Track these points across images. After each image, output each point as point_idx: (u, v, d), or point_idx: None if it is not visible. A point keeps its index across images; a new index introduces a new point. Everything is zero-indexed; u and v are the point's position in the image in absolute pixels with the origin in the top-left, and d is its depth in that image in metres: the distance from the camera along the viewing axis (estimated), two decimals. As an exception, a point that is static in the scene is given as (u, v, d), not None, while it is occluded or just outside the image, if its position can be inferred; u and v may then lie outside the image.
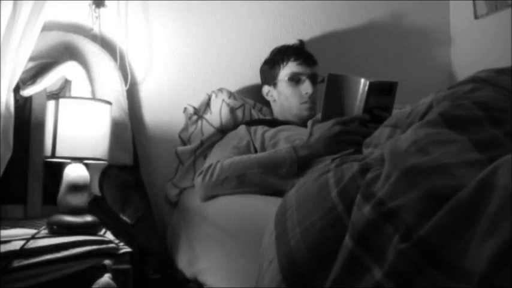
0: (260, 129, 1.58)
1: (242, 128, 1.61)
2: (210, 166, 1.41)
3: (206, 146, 1.71)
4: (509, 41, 1.91)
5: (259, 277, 0.78)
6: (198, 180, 1.42)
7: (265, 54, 1.82)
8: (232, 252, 1.24)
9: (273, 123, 1.64)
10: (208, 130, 1.72)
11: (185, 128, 1.78)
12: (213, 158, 1.50)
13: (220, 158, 1.44)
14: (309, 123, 1.41)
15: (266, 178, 1.31)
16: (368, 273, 0.58)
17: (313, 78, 1.69)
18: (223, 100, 1.75)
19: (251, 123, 1.65)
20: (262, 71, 1.80)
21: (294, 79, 1.67)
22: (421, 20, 2.29)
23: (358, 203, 0.64)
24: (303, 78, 1.67)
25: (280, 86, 1.70)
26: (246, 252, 1.13)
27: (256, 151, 1.52)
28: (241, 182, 1.34)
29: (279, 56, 1.72)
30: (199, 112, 1.76)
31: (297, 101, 1.67)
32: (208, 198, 1.43)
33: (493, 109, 0.74)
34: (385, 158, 0.70)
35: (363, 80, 1.26)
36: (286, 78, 1.67)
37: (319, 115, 1.39)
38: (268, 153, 1.38)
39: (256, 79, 1.88)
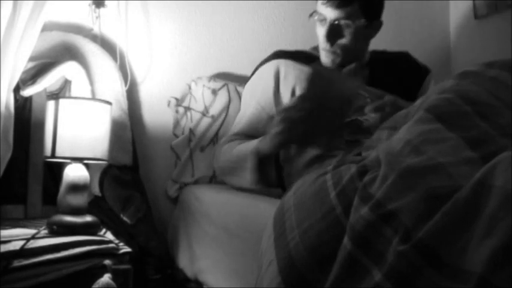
0: (292, 73, 1.41)
1: (271, 70, 1.44)
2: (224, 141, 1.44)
3: (198, 137, 1.73)
4: (509, 41, 1.91)
5: (258, 279, 0.78)
6: (219, 160, 1.43)
7: (265, 54, 1.80)
8: (232, 252, 1.24)
9: (310, 58, 1.45)
10: (196, 117, 1.74)
11: (177, 124, 1.78)
12: (239, 117, 1.49)
13: (243, 118, 1.45)
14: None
15: (239, 173, 1.34)
16: (367, 274, 0.58)
17: (336, 25, 1.34)
18: (203, 85, 1.76)
19: (285, 55, 1.45)
20: None
21: (317, 19, 1.38)
22: (421, 20, 2.29)
23: (356, 205, 0.64)
24: (323, 22, 1.37)
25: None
26: (246, 251, 1.13)
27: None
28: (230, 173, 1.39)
29: None
30: (183, 103, 1.77)
31: (320, 42, 1.40)
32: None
33: (480, 103, 0.73)
34: (380, 159, 0.70)
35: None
36: (313, 13, 1.39)
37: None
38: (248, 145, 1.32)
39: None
